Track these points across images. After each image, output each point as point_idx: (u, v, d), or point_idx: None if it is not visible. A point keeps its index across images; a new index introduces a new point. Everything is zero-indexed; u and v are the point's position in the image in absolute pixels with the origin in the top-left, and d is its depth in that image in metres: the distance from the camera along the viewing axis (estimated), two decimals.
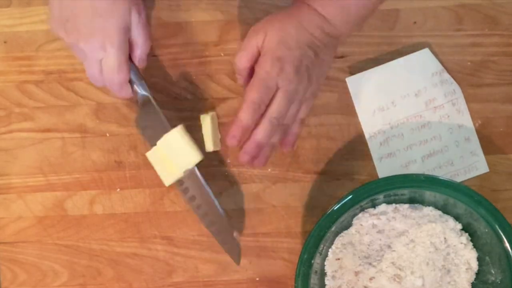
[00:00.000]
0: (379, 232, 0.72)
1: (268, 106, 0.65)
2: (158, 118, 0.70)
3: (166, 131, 0.69)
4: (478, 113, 0.76)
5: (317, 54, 0.66)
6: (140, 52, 0.68)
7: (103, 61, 0.65)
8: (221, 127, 0.76)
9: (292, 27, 0.65)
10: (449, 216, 0.72)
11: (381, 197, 0.71)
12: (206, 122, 0.74)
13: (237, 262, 0.74)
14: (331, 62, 0.71)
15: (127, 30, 0.65)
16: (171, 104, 0.77)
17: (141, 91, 0.70)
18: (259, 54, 0.66)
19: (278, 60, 0.64)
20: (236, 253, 0.74)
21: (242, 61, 0.67)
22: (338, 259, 0.72)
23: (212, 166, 0.76)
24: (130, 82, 0.68)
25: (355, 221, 0.72)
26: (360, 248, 0.72)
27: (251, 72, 0.67)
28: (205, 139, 0.75)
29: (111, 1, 0.63)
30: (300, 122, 0.70)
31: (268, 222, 0.76)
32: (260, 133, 0.65)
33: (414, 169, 0.76)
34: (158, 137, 0.70)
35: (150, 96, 0.70)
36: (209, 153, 0.75)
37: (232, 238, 0.72)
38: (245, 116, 0.64)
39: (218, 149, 0.75)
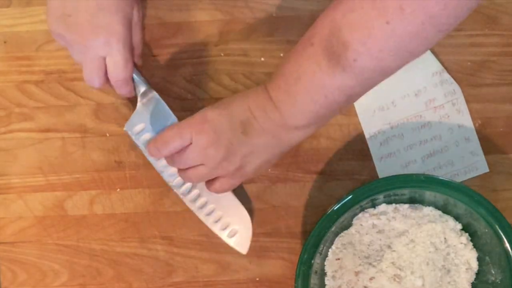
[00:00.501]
0: (379, 232, 0.72)
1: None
2: (163, 111, 0.70)
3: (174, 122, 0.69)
4: (478, 113, 0.76)
5: (247, 135, 0.63)
6: (137, 51, 0.68)
7: (108, 58, 0.64)
8: None
9: (235, 99, 0.64)
10: (449, 216, 0.72)
11: (381, 197, 0.71)
12: None
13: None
14: (268, 158, 0.65)
15: (131, 26, 0.64)
16: (171, 104, 0.76)
17: (143, 86, 0.69)
18: None
19: (202, 118, 0.64)
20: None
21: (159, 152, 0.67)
22: (338, 259, 0.72)
23: None
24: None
25: (355, 221, 0.72)
26: (360, 248, 0.72)
27: None
28: None
29: None
30: (213, 191, 0.69)
31: (268, 222, 0.76)
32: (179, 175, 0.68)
33: (414, 169, 0.76)
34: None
35: (153, 90, 0.69)
36: None
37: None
38: (151, 151, 0.67)
39: None
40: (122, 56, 0.63)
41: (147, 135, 0.69)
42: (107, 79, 0.65)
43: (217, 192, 0.68)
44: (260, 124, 0.63)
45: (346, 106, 0.63)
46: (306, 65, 0.59)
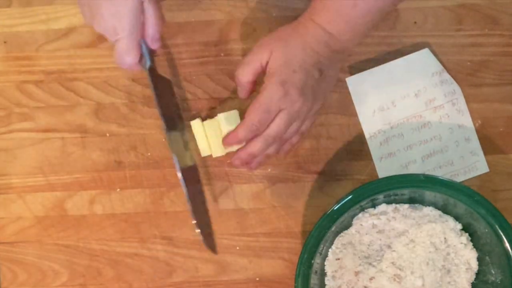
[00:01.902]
0: (379, 232, 0.72)
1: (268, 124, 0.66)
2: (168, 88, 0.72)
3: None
4: (478, 113, 0.76)
5: (322, 72, 0.67)
6: (152, 32, 0.66)
7: (116, 42, 0.65)
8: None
9: (297, 47, 0.65)
10: (449, 216, 0.72)
11: (381, 197, 0.71)
12: (198, 127, 0.72)
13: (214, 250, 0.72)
14: (337, 76, 0.72)
15: (138, 14, 0.65)
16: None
17: (148, 63, 0.68)
18: (262, 71, 0.66)
19: (282, 84, 0.64)
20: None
21: (245, 76, 0.67)
22: (338, 259, 0.72)
23: (212, 166, 0.76)
24: (141, 58, 0.67)
25: (355, 221, 0.72)
26: (360, 248, 0.72)
27: (252, 85, 0.68)
28: (200, 144, 0.73)
29: None
30: (300, 134, 0.71)
31: (268, 222, 0.76)
32: (255, 146, 0.67)
33: (414, 169, 0.76)
34: (166, 100, 0.70)
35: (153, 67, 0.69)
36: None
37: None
38: (242, 133, 0.66)
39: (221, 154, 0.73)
40: (126, 44, 0.64)
41: None
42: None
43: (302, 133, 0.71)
44: (327, 58, 0.66)
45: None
46: None
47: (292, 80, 0.65)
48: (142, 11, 0.64)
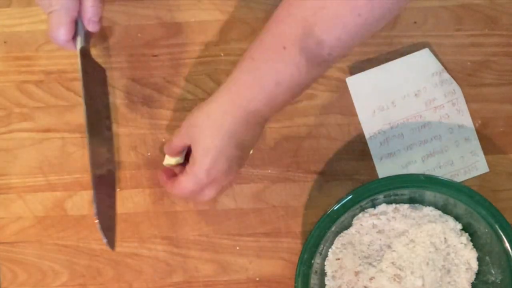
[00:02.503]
0: (379, 232, 0.72)
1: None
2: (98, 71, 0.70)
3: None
4: (478, 113, 0.76)
5: (238, 148, 0.66)
6: (89, 13, 0.66)
7: (49, 16, 0.65)
8: None
9: (215, 136, 0.65)
10: (449, 216, 0.72)
11: (381, 197, 0.71)
12: None
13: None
14: (256, 137, 0.69)
15: None
16: (171, 104, 0.77)
17: (80, 44, 0.67)
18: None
19: (206, 175, 0.66)
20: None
21: (171, 154, 0.70)
22: (338, 259, 0.72)
23: None
24: (74, 37, 0.66)
25: (355, 221, 0.72)
26: (360, 248, 0.72)
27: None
28: None
29: None
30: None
31: (268, 222, 0.76)
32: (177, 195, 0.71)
33: (414, 169, 0.76)
34: (96, 88, 0.69)
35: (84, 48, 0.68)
36: None
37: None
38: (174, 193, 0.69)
39: None
40: (57, 18, 0.64)
41: None
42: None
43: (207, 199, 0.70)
44: (247, 135, 0.65)
45: None
46: (284, 70, 0.60)
47: (216, 168, 0.65)
48: None
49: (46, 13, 0.65)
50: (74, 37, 0.66)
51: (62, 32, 0.65)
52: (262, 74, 0.62)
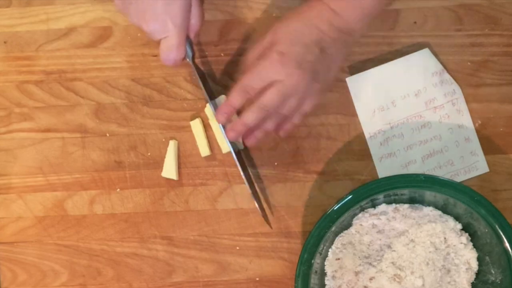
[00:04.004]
0: (379, 232, 0.72)
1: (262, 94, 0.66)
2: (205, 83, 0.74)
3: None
4: (478, 113, 0.76)
5: (323, 50, 0.66)
6: (195, 26, 0.69)
7: (163, 40, 0.67)
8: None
9: (299, 23, 0.66)
10: (449, 216, 0.72)
11: (381, 197, 0.71)
12: (197, 127, 0.76)
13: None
14: (341, 60, 0.70)
15: (189, 10, 0.67)
16: (171, 104, 0.77)
17: (190, 54, 0.72)
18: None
19: (279, 54, 0.65)
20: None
21: (249, 57, 0.69)
22: (338, 259, 0.72)
23: (212, 166, 0.76)
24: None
25: (355, 221, 0.72)
26: (360, 248, 0.72)
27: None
28: (199, 144, 0.76)
29: None
30: (302, 114, 0.71)
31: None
32: (247, 116, 0.68)
33: (414, 169, 0.76)
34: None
35: (191, 63, 0.72)
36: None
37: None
38: (233, 96, 0.68)
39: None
40: (176, 39, 0.67)
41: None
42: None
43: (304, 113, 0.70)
44: (330, 36, 0.66)
45: None
46: None
47: (290, 52, 0.65)
48: (190, 7, 0.68)
49: (158, 38, 0.67)
50: None
51: (181, 52, 0.68)
52: None
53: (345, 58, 0.72)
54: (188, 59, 0.71)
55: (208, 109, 0.75)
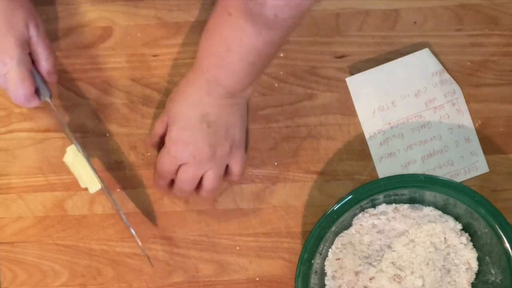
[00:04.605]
0: (379, 232, 0.72)
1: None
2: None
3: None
4: (478, 113, 0.76)
5: (210, 125, 0.67)
6: (46, 66, 0.69)
7: (7, 76, 0.66)
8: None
9: (184, 104, 0.68)
10: (449, 216, 0.72)
11: (381, 197, 0.71)
12: (70, 159, 0.72)
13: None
14: (241, 116, 0.70)
15: (25, 44, 0.67)
16: None
17: (43, 97, 0.70)
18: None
19: (172, 143, 0.68)
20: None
21: (150, 143, 0.74)
22: (338, 259, 0.72)
23: None
24: (37, 91, 0.69)
25: (355, 221, 0.72)
26: (360, 248, 0.72)
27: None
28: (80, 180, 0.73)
29: (6, 17, 0.65)
30: (238, 177, 0.73)
31: (268, 222, 0.76)
32: (176, 193, 0.72)
33: (414, 169, 0.76)
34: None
35: (50, 102, 0.71)
36: None
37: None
38: (156, 184, 0.73)
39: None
40: (18, 73, 0.66)
41: None
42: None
43: (211, 189, 0.71)
44: (214, 108, 0.67)
45: (278, 53, 0.69)
46: (231, 35, 0.62)
47: (181, 138, 0.68)
48: (28, 44, 0.67)
49: (2, 74, 0.66)
50: (36, 91, 0.69)
51: (26, 87, 0.67)
52: (214, 42, 0.64)
53: (245, 121, 0.72)
54: (46, 99, 0.70)
55: (70, 153, 0.71)
